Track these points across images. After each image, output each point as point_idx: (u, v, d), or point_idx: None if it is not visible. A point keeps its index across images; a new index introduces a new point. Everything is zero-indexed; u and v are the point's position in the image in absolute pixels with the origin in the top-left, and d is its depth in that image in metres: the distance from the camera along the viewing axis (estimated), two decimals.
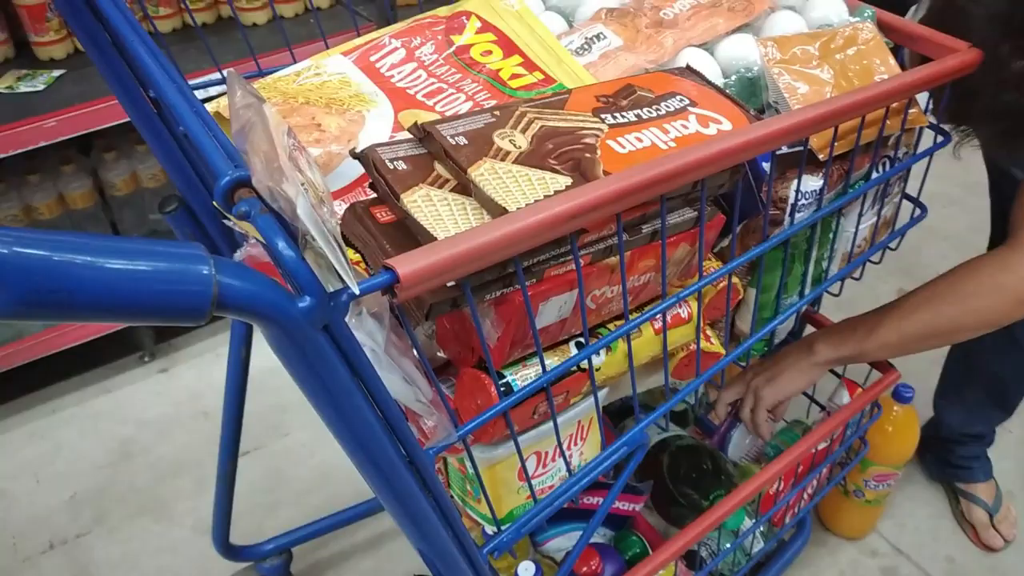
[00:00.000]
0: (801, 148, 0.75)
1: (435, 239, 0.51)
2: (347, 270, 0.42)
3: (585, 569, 1.05)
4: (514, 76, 0.78)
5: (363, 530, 1.65)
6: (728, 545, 1.25)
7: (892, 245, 1.02)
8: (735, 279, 0.82)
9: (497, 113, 0.61)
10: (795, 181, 0.76)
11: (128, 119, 0.87)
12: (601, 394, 0.77)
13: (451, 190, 0.56)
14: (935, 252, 2.19)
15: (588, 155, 0.59)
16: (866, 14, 0.88)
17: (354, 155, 0.58)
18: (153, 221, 2.11)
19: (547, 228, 0.52)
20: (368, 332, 0.54)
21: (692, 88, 0.70)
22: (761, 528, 1.33)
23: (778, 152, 0.76)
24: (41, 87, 1.68)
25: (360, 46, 0.81)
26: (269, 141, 0.44)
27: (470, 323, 0.63)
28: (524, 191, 0.55)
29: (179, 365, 2.05)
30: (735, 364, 0.97)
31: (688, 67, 0.74)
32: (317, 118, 0.73)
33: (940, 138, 0.93)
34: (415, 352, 0.58)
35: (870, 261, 1.00)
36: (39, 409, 1.94)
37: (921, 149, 0.92)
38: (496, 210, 0.54)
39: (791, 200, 0.77)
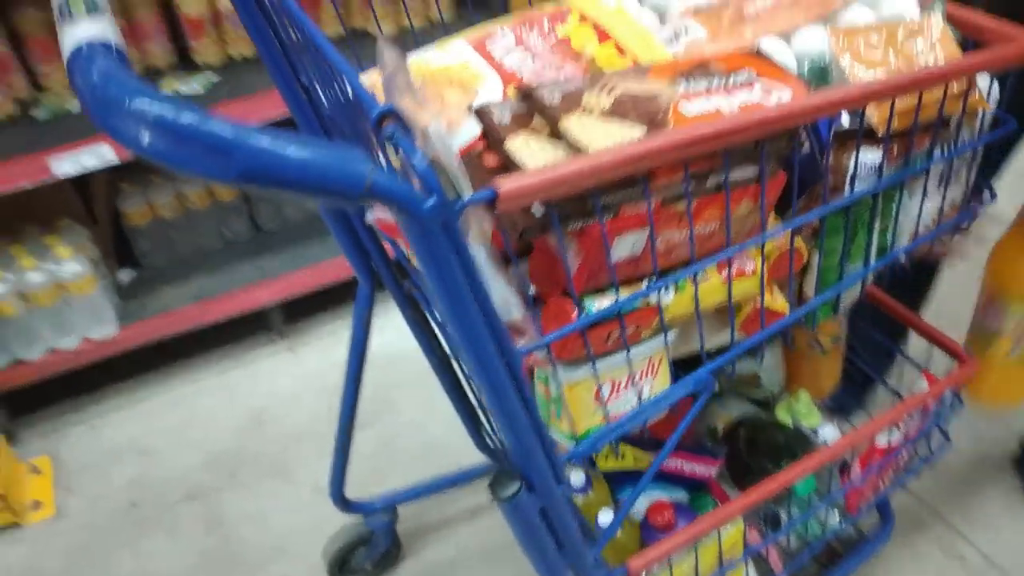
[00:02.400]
0: (861, 122, 0.84)
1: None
2: (461, 183, 0.56)
3: (659, 520, 1.15)
4: (608, 61, 0.91)
5: (463, 501, 1.79)
6: (799, 514, 1.32)
7: (963, 228, 1.09)
8: (799, 243, 0.92)
9: (587, 79, 0.74)
10: (854, 152, 0.86)
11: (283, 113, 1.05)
12: (671, 335, 0.88)
13: (546, 137, 0.69)
14: None
15: (661, 114, 0.72)
16: (936, 7, 0.96)
17: (471, 109, 0.72)
18: (289, 213, 2.34)
19: (619, 165, 0.64)
20: (478, 249, 0.68)
21: (760, 66, 0.81)
22: (835, 506, 1.39)
23: (840, 129, 0.86)
24: (201, 90, 1.92)
25: (478, 35, 0.96)
26: (409, 86, 0.59)
27: (556, 256, 0.76)
28: (604, 137, 0.67)
29: (305, 346, 2.26)
30: (800, 326, 1.05)
31: (759, 49, 0.85)
32: (441, 91, 0.88)
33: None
34: (510, 275, 0.72)
35: (935, 248, 1.07)
36: (181, 378, 2.18)
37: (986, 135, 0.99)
38: (582, 151, 0.67)
39: (850, 171, 0.87)
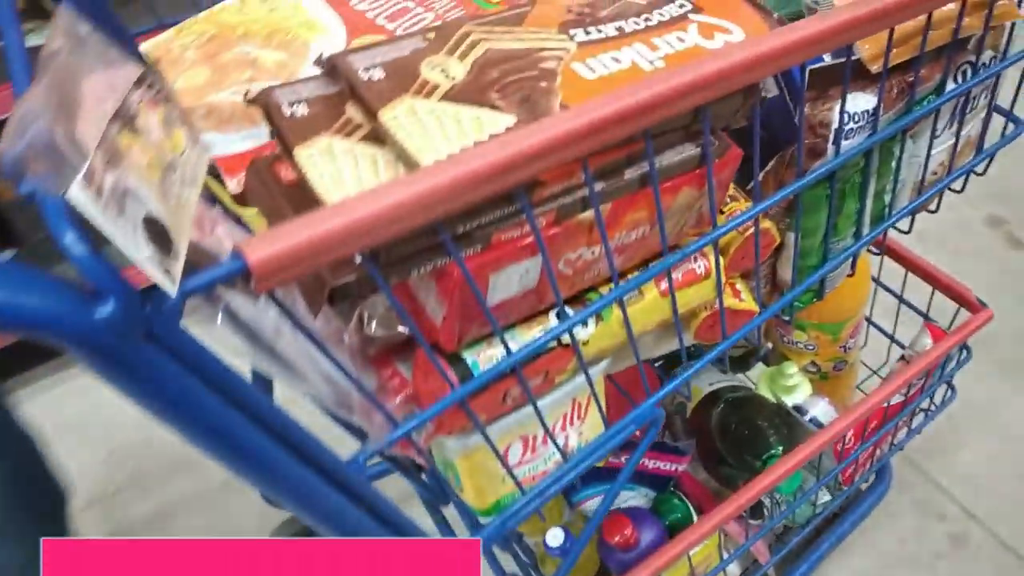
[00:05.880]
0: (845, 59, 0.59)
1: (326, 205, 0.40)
2: (162, 263, 0.32)
3: (618, 538, 0.96)
4: None
5: None
6: (784, 508, 1.13)
7: (979, 169, 0.85)
8: (767, 224, 0.68)
9: (431, 36, 0.48)
10: (839, 102, 0.61)
11: None
12: (600, 367, 0.65)
13: (362, 139, 0.44)
14: None
15: (543, 84, 0.46)
16: None
17: (248, 100, 0.46)
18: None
19: (467, 187, 0.40)
20: (267, 320, 0.44)
21: None
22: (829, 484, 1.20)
23: (819, 67, 0.61)
24: None
25: None
26: (72, 98, 0.34)
27: (416, 297, 0.52)
28: (448, 136, 0.43)
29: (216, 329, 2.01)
30: (777, 318, 0.83)
31: None
32: (253, 53, 0.62)
33: None
34: (340, 345, 0.48)
35: (950, 189, 0.83)
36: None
37: (1015, 51, 0.74)
38: (410, 163, 0.42)
39: (834, 125, 0.62)
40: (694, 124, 0.52)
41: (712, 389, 1.16)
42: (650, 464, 1.04)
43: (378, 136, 0.44)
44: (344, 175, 0.42)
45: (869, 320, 1.24)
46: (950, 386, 1.25)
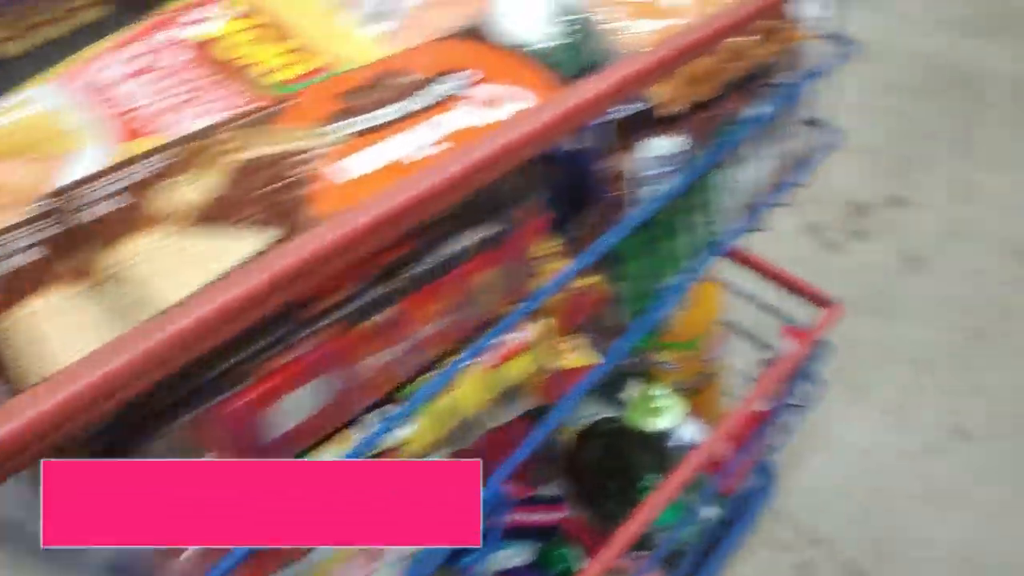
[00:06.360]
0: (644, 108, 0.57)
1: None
2: None
3: None
4: (283, 67, 0.60)
5: None
6: (670, 534, 1.12)
7: (804, 180, 0.85)
8: (592, 279, 0.66)
9: (174, 151, 0.43)
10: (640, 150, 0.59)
11: None
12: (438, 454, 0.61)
13: (92, 286, 0.39)
14: (846, 170, 1.81)
15: (299, 193, 0.42)
16: None
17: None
18: None
19: (212, 326, 0.35)
20: None
21: (479, 58, 0.52)
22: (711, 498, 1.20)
23: (614, 117, 0.59)
24: None
25: (83, 60, 0.62)
26: None
27: None
28: (185, 276, 0.38)
29: None
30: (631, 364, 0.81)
31: (473, 29, 0.55)
32: None
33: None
34: None
35: (779, 205, 0.83)
36: None
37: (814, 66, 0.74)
38: (149, 307, 0.37)
39: (638, 174, 0.60)
40: (486, 202, 0.49)
41: (582, 427, 1.14)
42: (527, 519, 1.01)
43: (110, 280, 0.39)
44: (57, 344, 0.36)
45: (729, 326, 1.25)
46: (816, 381, 1.27)
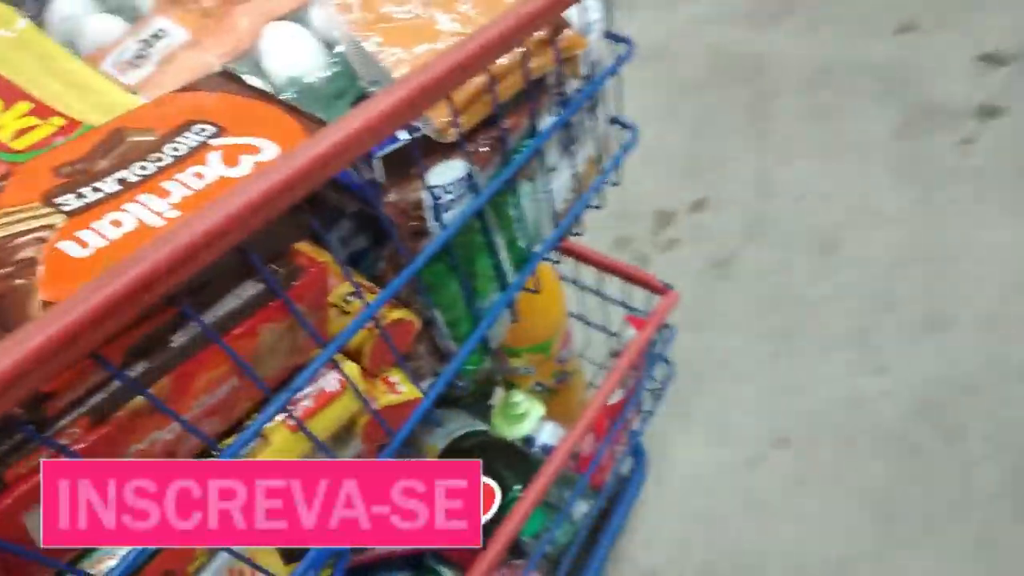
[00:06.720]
0: (419, 136, 0.56)
1: None
2: None
3: None
4: (21, 132, 0.55)
5: None
6: (544, 537, 1.12)
7: (612, 180, 0.86)
8: (400, 313, 0.64)
9: None
10: (424, 179, 0.57)
11: None
12: None
13: None
14: (651, 177, 1.74)
15: (19, 281, 0.38)
16: None
17: None
18: None
19: None
20: None
21: (222, 107, 0.49)
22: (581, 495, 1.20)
23: (389, 149, 0.57)
24: None
25: None
26: None
27: None
28: None
29: None
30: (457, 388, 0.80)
31: (225, 72, 0.53)
32: None
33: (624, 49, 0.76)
34: None
35: (591, 207, 0.84)
36: None
37: (600, 71, 0.75)
38: None
39: (427, 203, 0.59)
40: (242, 262, 0.46)
41: (448, 443, 1.12)
42: (397, 549, 0.99)
43: None
44: None
45: (580, 319, 1.26)
46: (667, 362, 1.30)
